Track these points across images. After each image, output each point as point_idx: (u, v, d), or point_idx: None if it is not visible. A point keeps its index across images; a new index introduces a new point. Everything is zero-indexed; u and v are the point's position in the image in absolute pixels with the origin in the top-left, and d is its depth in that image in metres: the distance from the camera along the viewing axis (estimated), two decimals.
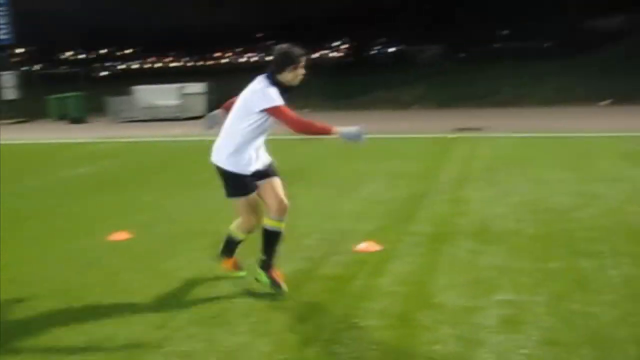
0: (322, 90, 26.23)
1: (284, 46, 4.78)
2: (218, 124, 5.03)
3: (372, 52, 72.48)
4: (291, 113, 4.59)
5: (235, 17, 78.08)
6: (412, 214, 7.21)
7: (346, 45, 72.66)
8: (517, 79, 25.02)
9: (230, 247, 5.15)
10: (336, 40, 77.54)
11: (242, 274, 5.21)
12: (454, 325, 4.21)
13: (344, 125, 4.55)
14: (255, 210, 4.89)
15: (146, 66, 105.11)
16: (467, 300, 4.64)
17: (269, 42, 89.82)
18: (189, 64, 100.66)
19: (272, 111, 4.61)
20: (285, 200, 4.87)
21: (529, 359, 3.72)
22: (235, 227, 5.06)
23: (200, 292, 4.99)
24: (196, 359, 3.85)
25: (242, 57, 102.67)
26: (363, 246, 5.96)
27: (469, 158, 10.95)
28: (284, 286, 4.88)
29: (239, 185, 4.79)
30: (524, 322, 4.23)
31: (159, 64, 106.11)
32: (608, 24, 63.38)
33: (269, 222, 4.86)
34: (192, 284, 5.17)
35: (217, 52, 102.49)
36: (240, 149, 4.73)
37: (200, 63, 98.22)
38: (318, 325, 4.29)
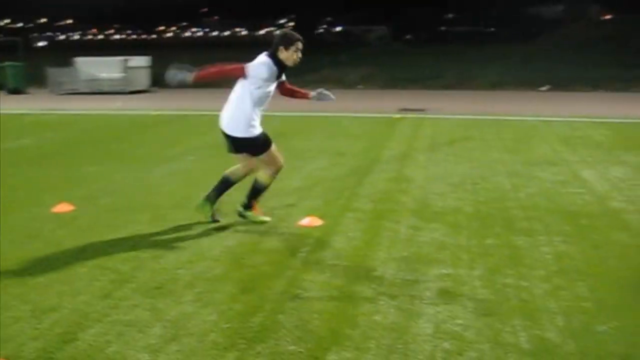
0: None
1: (284, 30, 5.74)
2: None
3: (319, 32, 72.36)
4: (227, 66, 5.63)
5: None
6: (355, 191, 7.34)
7: (292, 23, 72.20)
8: (462, 63, 25.48)
9: (257, 195, 5.94)
10: (282, 17, 76.96)
11: (267, 219, 6.05)
12: (393, 297, 4.33)
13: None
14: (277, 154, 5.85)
15: (87, 38, 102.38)
16: (407, 274, 4.78)
17: (213, 18, 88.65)
18: (131, 38, 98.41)
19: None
20: (282, 161, 5.94)
21: (464, 329, 3.86)
22: (267, 173, 5.82)
23: (144, 263, 5.00)
24: (141, 328, 3.88)
25: (186, 32, 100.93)
26: (306, 221, 6.06)
27: (412, 138, 11.15)
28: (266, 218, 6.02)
29: (265, 141, 5.73)
30: (460, 295, 4.39)
31: (101, 36, 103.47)
32: (550, 12, 64.89)
33: (263, 177, 5.85)
34: (136, 256, 5.17)
35: (160, 26, 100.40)
36: (252, 114, 5.58)
37: (144, 37, 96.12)
38: (262, 295, 4.37)
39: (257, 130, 5.66)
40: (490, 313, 4.07)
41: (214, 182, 6.08)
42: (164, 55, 23.38)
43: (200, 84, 5.77)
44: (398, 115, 13.73)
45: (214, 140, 8.00)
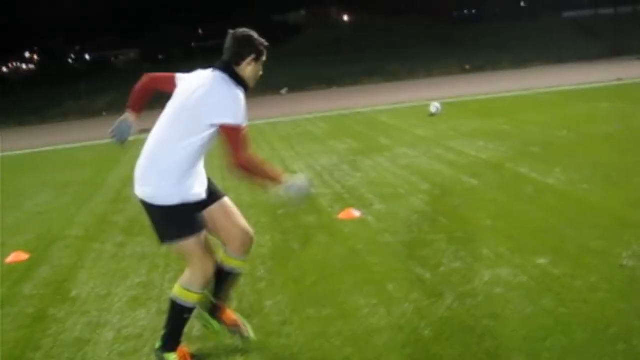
0: (8, 107, 24.91)
1: (242, 30, 3.51)
2: (128, 134, 3.78)
3: (70, 61, 69.50)
4: (248, 143, 3.37)
5: None
6: (71, 219, 7.40)
7: (36, 56, 68.65)
8: None
9: (179, 325, 3.62)
10: (26, 50, 72.74)
11: None
12: (84, 314, 4.57)
13: None
14: (209, 249, 3.57)
15: None
16: (102, 289, 5.02)
17: None
18: None
19: (230, 132, 3.32)
20: (251, 230, 3.74)
21: (143, 330, 4.19)
22: (184, 285, 3.56)
23: None
24: None
25: None
26: (12, 257, 6.06)
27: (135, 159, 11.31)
28: (244, 329, 3.86)
29: (185, 221, 3.44)
30: (148, 299, 4.72)
31: None
32: (295, 17, 68.13)
33: (229, 261, 3.72)
34: None
35: None
36: (184, 174, 3.40)
37: None
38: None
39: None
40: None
41: None
42: None
43: None
44: (132, 138, 13.73)
45: None
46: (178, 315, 3.57)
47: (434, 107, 12.04)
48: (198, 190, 3.49)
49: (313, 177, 8.04)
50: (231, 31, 3.50)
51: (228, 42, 3.47)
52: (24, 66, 72.27)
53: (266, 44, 3.53)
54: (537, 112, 11.37)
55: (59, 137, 16.23)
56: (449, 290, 4.28)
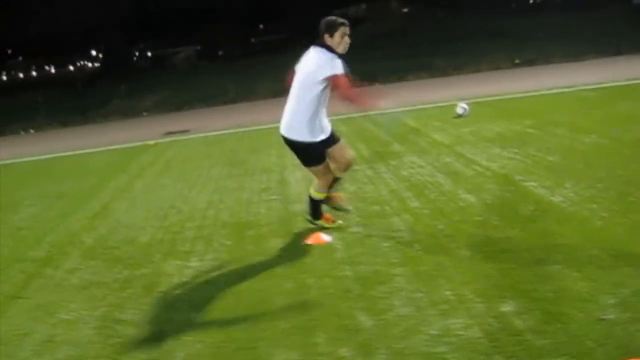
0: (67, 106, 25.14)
1: (329, 17, 5.31)
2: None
3: (135, 58, 70.50)
4: (347, 83, 5.13)
5: None
6: (43, 237, 6.99)
7: (101, 55, 69.97)
8: (258, 74, 25.38)
9: (316, 207, 5.75)
10: (92, 49, 74.23)
11: (339, 222, 5.87)
12: None
13: None
14: (330, 169, 5.55)
15: None
16: (24, 328, 4.57)
17: (17, 59, 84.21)
18: None
19: (333, 79, 5.13)
20: (353, 155, 5.88)
21: None
22: (316, 187, 5.64)
23: None
24: None
25: None
26: None
27: (149, 165, 10.90)
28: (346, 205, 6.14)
29: (316, 155, 5.44)
30: (63, 342, 4.21)
31: None
32: (356, 12, 67.42)
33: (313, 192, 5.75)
34: None
35: None
36: (312, 119, 5.30)
37: None
38: None
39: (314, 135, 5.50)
40: None
41: None
42: None
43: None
44: (152, 142, 13.41)
45: None
46: (315, 205, 5.75)
47: (461, 108, 11.16)
48: (321, 133, 5.45)
49: (306, 190, 7.39)
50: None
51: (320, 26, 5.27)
52: (90, 64, 73.85)
53: (341, 20, 5.26)
54: (571, 113, 10.35)
55: (88, 139, 16.04)
56: (383, 347, 3.59)
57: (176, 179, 9.24)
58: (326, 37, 5.23)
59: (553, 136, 8.68)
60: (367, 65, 22.51)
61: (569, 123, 9.47)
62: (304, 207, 6.10)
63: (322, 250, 5.30)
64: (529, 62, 21.05)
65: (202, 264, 5.46)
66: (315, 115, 5.32)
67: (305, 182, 7.61)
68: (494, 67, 21.02)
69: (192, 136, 14.09)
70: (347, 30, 5.23)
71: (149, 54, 69.04)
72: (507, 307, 3.86)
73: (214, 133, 13.85)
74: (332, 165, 5.59)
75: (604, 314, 3.65)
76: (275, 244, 5.71)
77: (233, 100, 21.66)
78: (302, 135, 5.36)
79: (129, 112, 23.52)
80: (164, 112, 22.69)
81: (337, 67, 5.13)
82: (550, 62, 20.56)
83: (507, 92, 14.05)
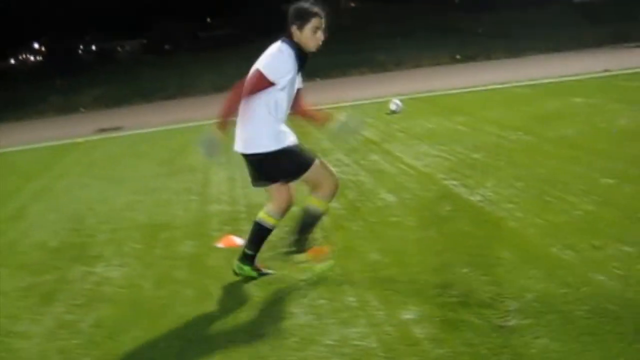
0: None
1: (298, 3, 4.13)
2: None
3: (80, 52, 68.82)
4: (253, 83, 4.06)
5: None
6: None
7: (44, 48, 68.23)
8: (197, 69, 24.97)
9: (312, 224, 4.43)
10: (35, 41, 72.28)
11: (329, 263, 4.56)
12: None
13: None
14: (327, 165, 4.42)
15: None
16: None
17: None
18: None
19: (252, 74, 4.10)
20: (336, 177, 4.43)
21: None
22: (319, 195, 4.31)
23: None
24: None
25: None
26: None
27: (74, 165, 10.53)
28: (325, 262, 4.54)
29: (299, 156, 4.25)
30: None
31: None
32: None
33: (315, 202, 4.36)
34: None
35: None
36: (272, 124, 4.16)
37: None
38: None
39: (288, 139, 4.25)
40: None
41: None
42: None
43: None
44: (81, 140, 12.98)
45: None
46: (312, 222, 4.42)
47: (394, 104, 11.08)
48: (290, 134, 4.27)
49: (227, 191, 7.20)
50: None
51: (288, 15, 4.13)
52: (32, 58, 72.00)
53: (315, 10, 4.11)
54: (503, 110, 10.37)
55: (19, 136, 15.51)
56: (274, 358, 3.40)
57: (99, 178, 8.92)
58: (294, 28, 4.08)
59: (482, 133, 8.65)
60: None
61: (498, 120, 9.47)
62: (223, 208, 5.88)
63: (231, 254, 5.09)
64: (470, 58, 21.18)
65: (107, 269, 5.21)
66: (273, 121, 4.17)
67: (229, 182, 7.42)
68: (434, 63, 21.10)
69: (123, 134, 13.70)
70: (321, 22, 4.09)
71: (94, 47, 67.50)
72: (408, 315, 3.73)
73: (147, 130, 13.49)
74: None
75: (505, 320, 3.54)
76: (186, 247, 5.49)
77: (173, 96, 21.25)
78: (263, 146, 4.16)
79: (67, 108, 22.88)
80: (102, 108, 22.13)
81: (272, 66, 4.06)
82: (491, 59, 20.72)
83: (444, 88, 14.05)
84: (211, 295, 4.41)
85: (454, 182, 6.41)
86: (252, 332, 3.77)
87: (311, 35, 4.09)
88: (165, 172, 8.73)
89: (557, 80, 13.25)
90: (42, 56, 69.00)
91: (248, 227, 5.42)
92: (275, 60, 4.06)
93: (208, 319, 4.06)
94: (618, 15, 25.44)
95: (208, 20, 69.47)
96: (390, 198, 6.14)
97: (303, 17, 4.07)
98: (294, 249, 4.44)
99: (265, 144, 4.13)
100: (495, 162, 7.03)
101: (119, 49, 62.36)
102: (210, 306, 4.25)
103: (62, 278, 5.18)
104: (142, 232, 6.10)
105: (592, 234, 4.62)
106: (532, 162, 6.82)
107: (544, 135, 8.01)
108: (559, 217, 5.08)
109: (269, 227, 4.42)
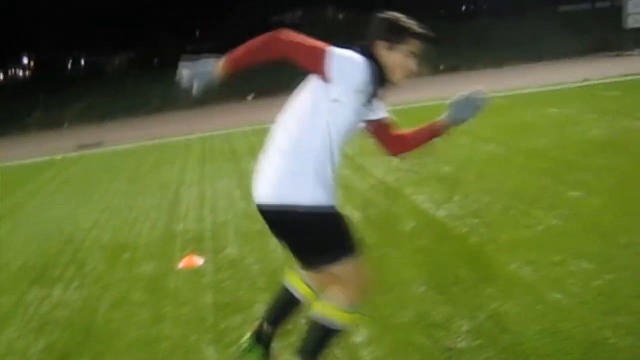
0: None
1: (392, 14, 2.89)
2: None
3: (70, 66, 68.61)
4: (307, 50, 2.75)
5: None
6: None
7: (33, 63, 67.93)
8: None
9: (325, 342, 2.92)
10: (24, 55, 71.99)
11: None
12: None
13: None
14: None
15: None
16: None
17: None
18: None
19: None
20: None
21: None
22: (337, 299, 2.87)
23: None
24: None
25: None
26: None
27: (48, 182, 10.44)
28: None
29: (341, 232, 2.82)
30: None
31: None
32: (292, 19, 67.27)
33: (331, 312, 2.89)
34: None
35: None
36: (325, 164, 2.78)
37: None
38: None
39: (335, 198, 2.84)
40: None
41: None
42: None
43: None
44: (59, 157, 12.90)
45: None
46: (327, 337, 2.92)
47: None
48: (333, 188, 2.90)
49: (195, 208, 7.12)
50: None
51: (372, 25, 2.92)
52: (21, 73, 71.73)
53: (416, 30, 2.89)
54: (477, 121, 10.20)
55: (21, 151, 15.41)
56: None
57: (70, 196, 8.85)
58: (381, 45, 2.84)
59: (454, 146, 8.59)
60: (295, 74, 22.37)
61: (473, 131, 9.40)
62: (189, 227, 5.78)
63: (190, 275, 5.03)
64: (453, 69, 21.23)
65: (65, 292, 5.13)
66: (329, 159, 2.80)
67: (199, 200, 7.35)
68: (417, 74, 21.09)
69: (102, 150, 13.62)
70: (418, 47, 2.88)
71: (82, 61, 67.30)
72: (358, 337, 3.66)
73: (126, 146, 13.43)
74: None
75: (455, 342, 3.47)
76: (147, 268, 5.41)
77: (158, 110, 21.22)
78: (307, 194, 2.75)
79: (51, 124, 22.83)
80: (86, 123, 22.07)
81: (342, 59, 2.74)
82: (474, 69, 20.77)
83: (425, 100, 14.01)
84: (164, 319, 4.32)
85: (422, 197, 6.35)
86: (204, 355, 3.69)
87: (402, 61, 2.85)
88: (137, 190, 8.67)
89: (536, 90, 13.23)
90: (31, 71, 68.76)
91: (212, 246, 5.39)
92: (349, 59, 2.74)
93: (161, 342, 3.97)
94: (601, 23, 25.60)
95: (197, 34, 69.47)
96: (356, 215, 6.07)
97: (399, 35, 2.85)
98: None
99: (311, 194, 2.75)
100: (465, 175, 6.99)
101: (105, 63, 62.13)
102: (165, 329, 4.16)
103: (19, 301, 5.09)
104: (105, 253, 6.02)
105: (553, 250, 4.56)
106: (501, 176, 6.77)
107: (517, 147, 7.98)
108: (522, 233, 5.02)
109: (339, 328, 2.92)
